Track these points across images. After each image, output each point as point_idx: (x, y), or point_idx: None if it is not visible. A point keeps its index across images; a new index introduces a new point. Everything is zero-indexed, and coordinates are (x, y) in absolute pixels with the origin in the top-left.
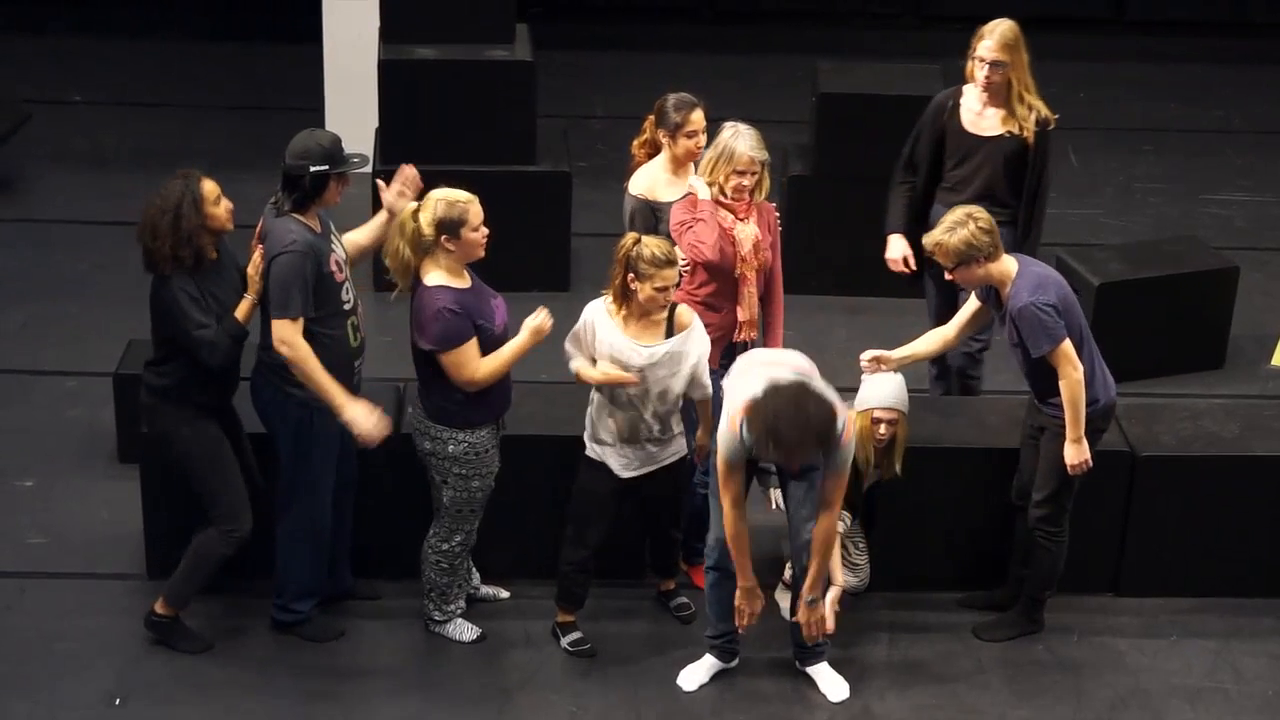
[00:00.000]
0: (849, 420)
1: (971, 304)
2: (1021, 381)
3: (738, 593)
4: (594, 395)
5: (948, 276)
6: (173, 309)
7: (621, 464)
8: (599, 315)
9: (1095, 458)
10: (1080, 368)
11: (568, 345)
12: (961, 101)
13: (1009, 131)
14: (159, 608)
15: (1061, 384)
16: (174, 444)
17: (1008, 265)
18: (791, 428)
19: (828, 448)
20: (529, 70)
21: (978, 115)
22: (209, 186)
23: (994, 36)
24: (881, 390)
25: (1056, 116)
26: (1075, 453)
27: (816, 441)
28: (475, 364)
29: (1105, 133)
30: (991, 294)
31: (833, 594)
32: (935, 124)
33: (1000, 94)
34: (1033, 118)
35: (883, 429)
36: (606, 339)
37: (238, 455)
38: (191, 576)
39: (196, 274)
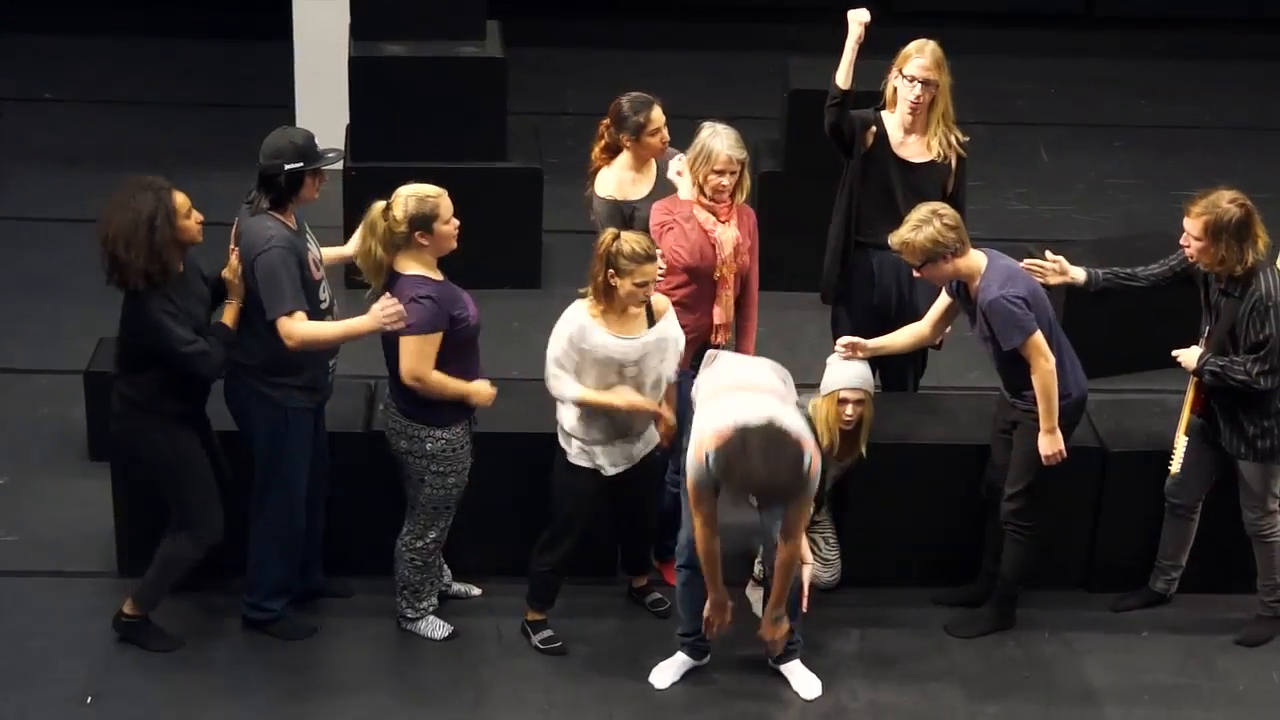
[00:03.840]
0: (814, 454)
1: (943, 300)
2: (992, 378)
3: (708, 604)
4: (575, 402)
5: (916, 274)
6: (157, 330)
7: (610, 461)
8: (586, 321)
9: (1068, 452)
10: (1052, 359)
11: (557, 369)
12: (886, 127)
13: (936, 158)
14: (128, 609)
15: (1034, 376)
16: (145, 451)
17: (975, 259)
18: (761, 482)
19: (796, 489)
20: (500, 67)
21: (901, 143)
22: (180, 199)
23: (925, 55)
24: (847, 372)
25: (968, 139)
26: (1049, 443)
27: (785, 491)
28: (430, 362)
29: (1076, 129)
30: (960, 289)
31: (806, 573)
32: (863, 132)
33: (923, 117)
34: (953, 140)
35: (849, 410)
36: (599, 342)
37: (208, 455)
38: (160, 581)
39: (166, 287)
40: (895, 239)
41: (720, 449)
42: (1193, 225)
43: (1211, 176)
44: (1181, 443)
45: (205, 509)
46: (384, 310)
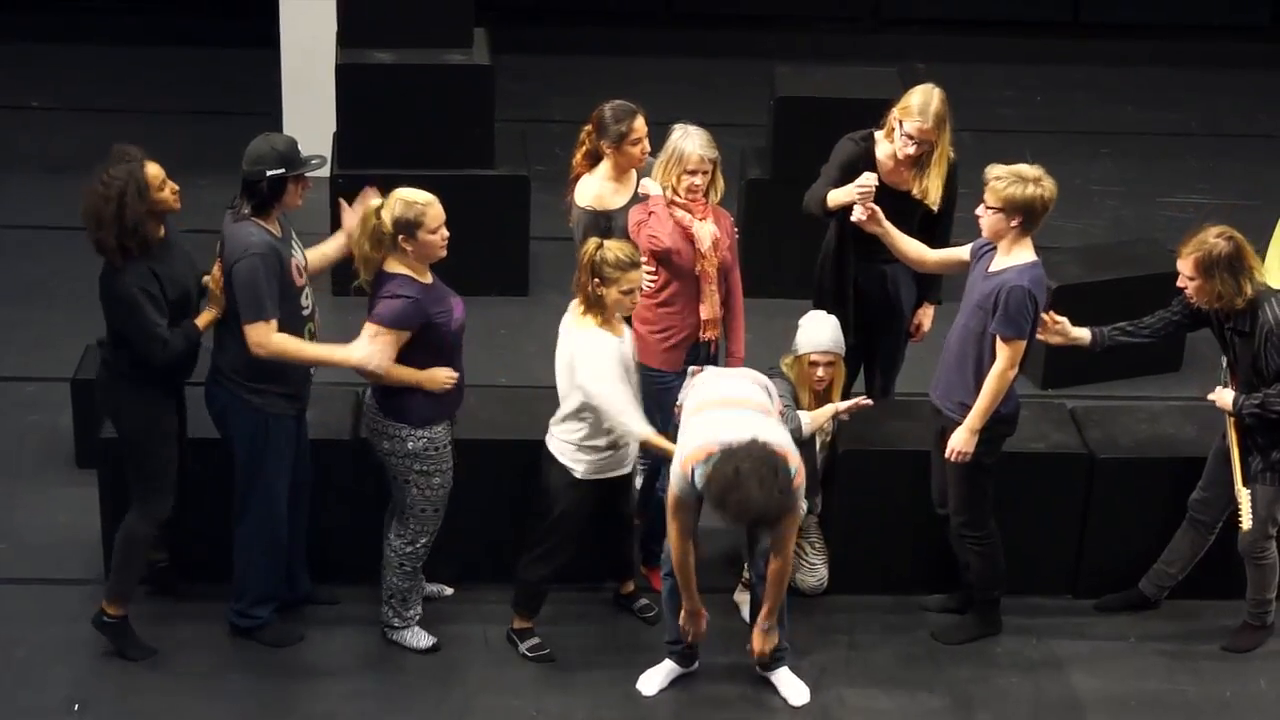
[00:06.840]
0: (799, 468)
1: (960, 253)
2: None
3: (682, 615)
4: (585, 413)
5: (977, 211)
6: (130, 306)
7: (614, 469)
8: (610, 338)
9: (1049, 460)
10: (1016, 369)
11: (623, 405)
12: (877, 154)
13: (919, 196)
14: (108, 609)
15: (992, 374)
16: (125, 419)
17: (1028, 246)
18: (759, 509)
19: (788, 508)
20: (487, 74)
21: (891, 170)
22: (153, 171)
23: (927, 117)
24: (818, 335)
25: (954, 159)
26: (964, 440)
27: (779, 515)
28: (388, 356)
29: (1062, 136)
30: (985, 256)
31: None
32: (849, 177)
33: (917, 160)
34: (941, 182)
35: (820, 372)
36: (626, 351)
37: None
38: (125, 566)
39: (147, 258)
40: (999, 169)
41: (713, 480)
42: (1184, 265)
43: (1198, 183)
44: (1246, 495)
45: (162, 486)
46: (368, 355)
